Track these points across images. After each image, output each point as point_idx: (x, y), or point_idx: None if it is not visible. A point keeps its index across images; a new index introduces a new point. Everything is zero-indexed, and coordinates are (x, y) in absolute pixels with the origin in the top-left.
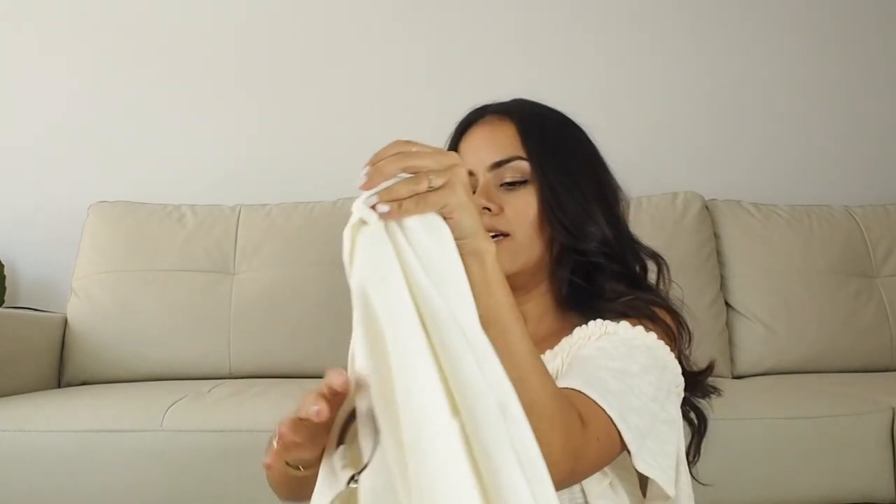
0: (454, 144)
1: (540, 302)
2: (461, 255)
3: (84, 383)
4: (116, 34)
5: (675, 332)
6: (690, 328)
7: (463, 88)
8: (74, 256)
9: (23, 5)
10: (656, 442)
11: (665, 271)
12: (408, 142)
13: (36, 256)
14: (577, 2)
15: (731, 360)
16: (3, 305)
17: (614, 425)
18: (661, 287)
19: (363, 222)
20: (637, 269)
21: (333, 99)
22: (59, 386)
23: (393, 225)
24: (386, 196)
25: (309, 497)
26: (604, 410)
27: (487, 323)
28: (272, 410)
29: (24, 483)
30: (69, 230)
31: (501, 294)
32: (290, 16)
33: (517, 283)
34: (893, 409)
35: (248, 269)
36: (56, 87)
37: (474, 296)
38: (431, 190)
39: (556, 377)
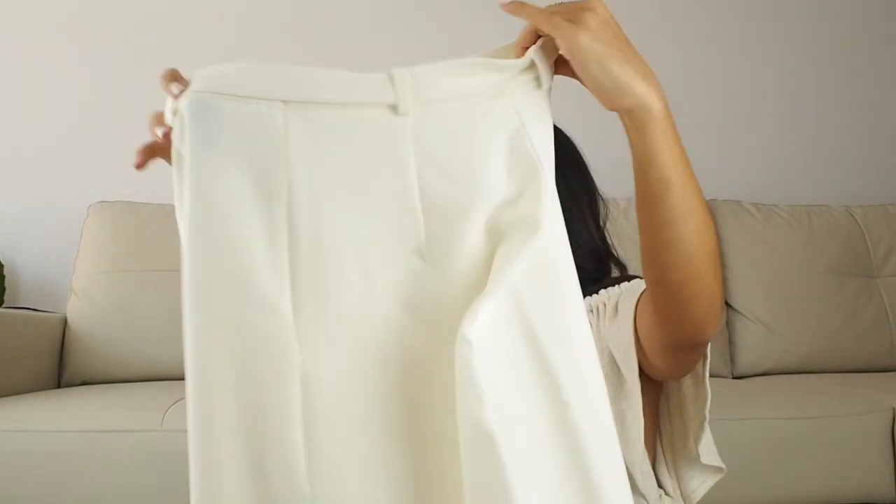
0: None
1: None
2: (603, 103)
3: (84, 383)
4: (116, 34)
5: None
6: None
7: None
8: (74, 256)
9: (23, 5)
10: None
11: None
12: None
13: (36, 256)
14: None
15: (731, 360)
16: (3, 305)
17: None
18: None
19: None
20: (619, 272)
21: None
22: (58, 386)
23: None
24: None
25: None
26: None
27: (662, 191)
28: None
29: (24, 483)
30: (69, 230)
31: (675, 153)
32: (289, 16)
33: None
34: (893, 409)
35: None
36: (56, 87)
37: (638, 165)
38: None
39: None
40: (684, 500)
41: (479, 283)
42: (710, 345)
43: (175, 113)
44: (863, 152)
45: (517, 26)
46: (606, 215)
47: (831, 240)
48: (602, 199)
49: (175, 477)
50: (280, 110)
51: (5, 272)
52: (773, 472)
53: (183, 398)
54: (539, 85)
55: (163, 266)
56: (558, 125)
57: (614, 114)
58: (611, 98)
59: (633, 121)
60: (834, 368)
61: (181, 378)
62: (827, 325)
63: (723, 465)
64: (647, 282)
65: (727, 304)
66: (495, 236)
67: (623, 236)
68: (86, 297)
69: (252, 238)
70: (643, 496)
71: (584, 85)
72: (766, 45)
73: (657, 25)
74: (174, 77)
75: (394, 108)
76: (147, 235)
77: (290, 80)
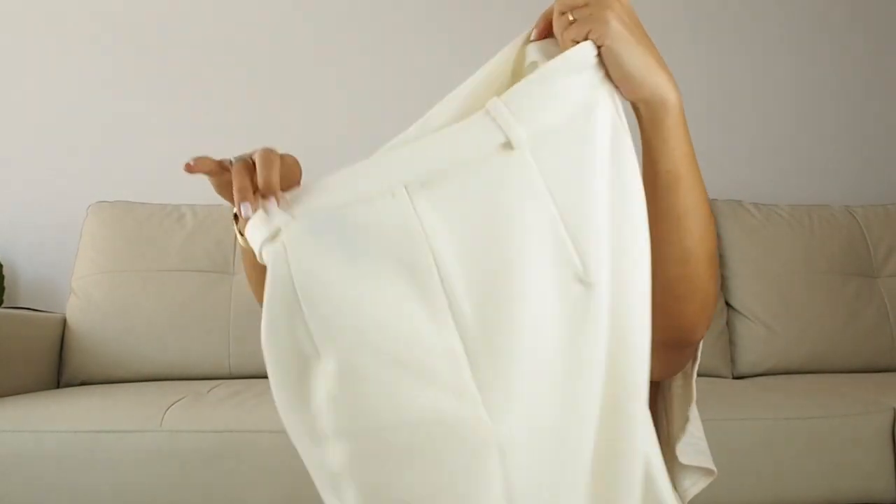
0: None
1: None
2: (622, 92)
3: (83, 383)
4: (116, 34)
5: None
6: None
7: None
8: (74, 256)
9: (23, 6)
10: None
11: None
12: None
13: (35, 256)
14: None
15: (732, 360)
16: (3, 305)
17: None
18: None
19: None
20: None
21: (334, 99)
22: (58, 386)
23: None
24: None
25: None
26: None
27: (671, 182)
28: (272, 410)
29: (23, 483)
30: (69, 230)
31: (685, 148)
32: (290, 16)
33: None
34: (894, 409)
35: None
36: (56, 87)
37: (650, 155)
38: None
39: None
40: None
41: (634, 292)
42: (705, 345)
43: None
44: (863, 152)
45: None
46: None
47: (832, 240)
48: None
49: (175, 477)
50: (405, 195)
51: (5, 272)
52: (773, 472)
53: (183, 398)
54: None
55: (162, 266)
56: None
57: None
58: (634, 87)
59: (651, 111)
60: (834, 368)
61: (181, 378)
62: (827, 325)
63: (713, 468)
64: None
65: (727, 304)
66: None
67: None
68: (85, 297)
69: (422, 332)
70: None
71: (611, 73)
72: (767, 45)
73: (657, 25)
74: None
75: (507, 146)
76: (147, 235)
77: (399, 163)
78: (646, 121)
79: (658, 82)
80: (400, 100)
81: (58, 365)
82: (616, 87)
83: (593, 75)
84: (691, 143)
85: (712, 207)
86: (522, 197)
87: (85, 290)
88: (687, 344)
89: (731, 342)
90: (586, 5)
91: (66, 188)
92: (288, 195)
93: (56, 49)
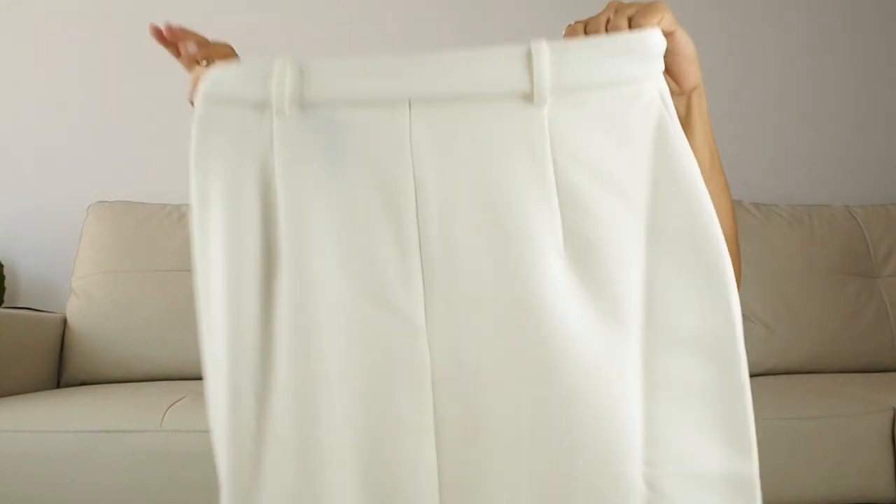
0: None
1: None
2: (684, 88)
3: (83, 383)
4: (116, 34)
5: None
6: None
7: None
8: (74, 256)
9: (23, 6)
10: None
11: None
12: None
13: (36, 256)
14: (580, 4)
15: None
16: (3, 305)
17: None
18: None
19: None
20: None
21: None
22: (58, 386)
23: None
24: (593, 25)
25: None
26: None
27: (713, 162)
28: None
29: (23, 483)
30: (69, 230)
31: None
32: (290, 16)
33: None
34: (894, 409)
35: None
36: (56, 87)
37: (702, 136)
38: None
39: None
40: None
41: (625, 289)
42: None
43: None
44: (863, 152)
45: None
46: None
47: (832, 240)
48: None
49: (175, 477)
50: (406, 115)
51: (5, 272)
52: (773, 472)
53: (183, 398)
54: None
55: (162, 266)
56: None
57: None
58: (696, 69)
59: (700, 95)
60: (834, 369)
61: (181, 378)
62: (827, 325)
63: None
64: None
65: None
66: (648, 241)
67: None
68: (85, 297)
69: (384, 251)
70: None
71: (674, 64)
72: (767, 45)
73: None
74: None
75: (528, 98)
76: (147, 235)
77: (415, 70)
78: (696, 105)
79: (698, 62)
80: None
81: (58, 365)
82: (674, 79)
83: (653, 66)
84: None
85: None
86: (520, 153)
87: (85, 290)
88: None
89: None
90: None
91: (66, 188)
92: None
93: (56, 49)
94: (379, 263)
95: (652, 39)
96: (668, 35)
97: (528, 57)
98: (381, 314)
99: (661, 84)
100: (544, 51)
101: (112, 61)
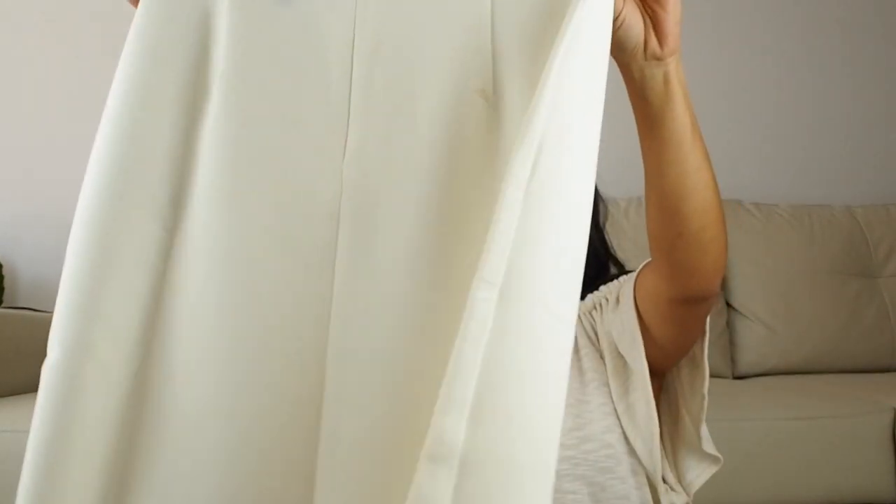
0: None
1: None
2: (666, 51)
3: None
4: (117, 34)
5: None
6: None
7: None
8: None
9: (23, 6)
10: None
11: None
12: None
13: (35, 256)
14: None
15: (732, 360)
16: (3, 305)
17: None
18: None
19: None
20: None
21: None
22: None
23: None
24: None
25: None
26: None
27: (694, 132)
28: None
29: None
30: (69, 230)
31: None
32: None
33: None
34: (894, 409)
35: None
36: (56, 87)
37: (683, 105)
38: None
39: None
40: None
41: (518, 140)
42: (710, 345)
43: None
44: (863, 152)
45: None
46: (606, 217)
47: (832, 240)
48: (602, 200)
49: None
50: None
51: (5, 272)
52: (773, 472)
53: None
54: None
55: None
56: None
57: (614, 117)
58: (678, 34)
59: (678, 62)
60: (835, 369)
61: None
62: (828, 325)
63: (719, 455)
64: (665, 241)
65: (727, 304)
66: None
67: (623, 236)
68: None
69: (311, 83)
70: (654, 489)
71: (663, 21)
72: (767, 44)
73: None
74: None
75: None
76: None
77: None
78: (674, 74)
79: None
80: None
81: None
82: (658, 39)
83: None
84: None
85: None
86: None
87: None
88: (705, 297)
89: (731, 342)
90: None
91: (67, 188)
92: None
93: (57, 49)
94: (306, 98)
95: None
96: None
97: None
98: (299, 146)
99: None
100: None
101: (113, 61)
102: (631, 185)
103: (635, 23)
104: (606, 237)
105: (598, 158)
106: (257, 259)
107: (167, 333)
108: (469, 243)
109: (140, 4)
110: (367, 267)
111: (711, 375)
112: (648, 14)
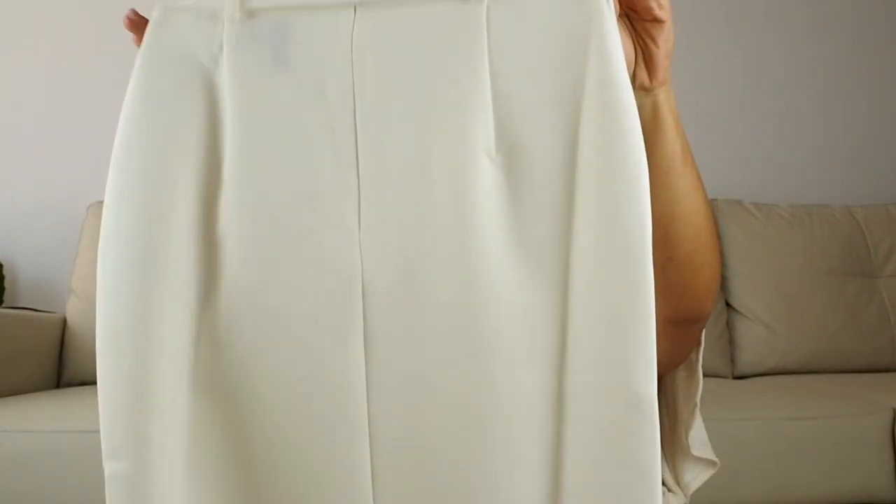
0: None
1: None
2: (655, 81)
3: (83, 383)
4: (118, 35)
5: None
6: None
7: None
8: (74, 256)
9: (23, 5)
10: None
11: None
12: None
13: (35, 256)
14: None
15: (732, 360)
16: (3, 305)
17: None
18: None
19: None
20: None
21: None
22: (58, 386)
23: None
24: None
25: None
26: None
27: (684, 160)
28: None
29: (24, 483)
30: (69, 230)
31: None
32: None
33: None
34: (894, 409)
35: None
36: (56, 87)
37: (672, 133)
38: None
39: None
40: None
41: (553, 194)
42: (705, 345)
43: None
44: (863, 152)
45: None
46: None
47: (832, 240)
48: None
49: None
50: (350, 18)
51: (5, 272)
52: (773, 472)
53: None
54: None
55: None
56: None
57: None
58: (668, 66)
59: (668, 91)
60: (834, 369)
61: None
62: (828, 325)
63: (716, 459)
64: (656, 264)
65: (727, 304)
66: (578, 143)
67: None
68: (85, 297)
69: (322, 157)
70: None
71: (654, 55)
72: (767, 44)
73: None
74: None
75: None
76: None
77: None
78: (664, 104)
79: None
80: None
81: (58, 365)
82: (647, 71)
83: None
84: None
85: (713, 207)
86: (458, 52)
87: (85, 290)
88: (697, 319)
89: (731, 342)
90: None
91: (66, 188)
92: None
93: (56, 49)
94: (316, 171)
95: None
96: (657, 23)
97: None
98: (316, 222)
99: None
100: None
101: (113, 61)
102: None
103: (626, 54)
104: None
105: None
106: (285, 347)
107: (202, 432)
108: (496, 310)
109: (139, 68)
110: (397, 338)
111: (711, 375)
112: (640, 46)
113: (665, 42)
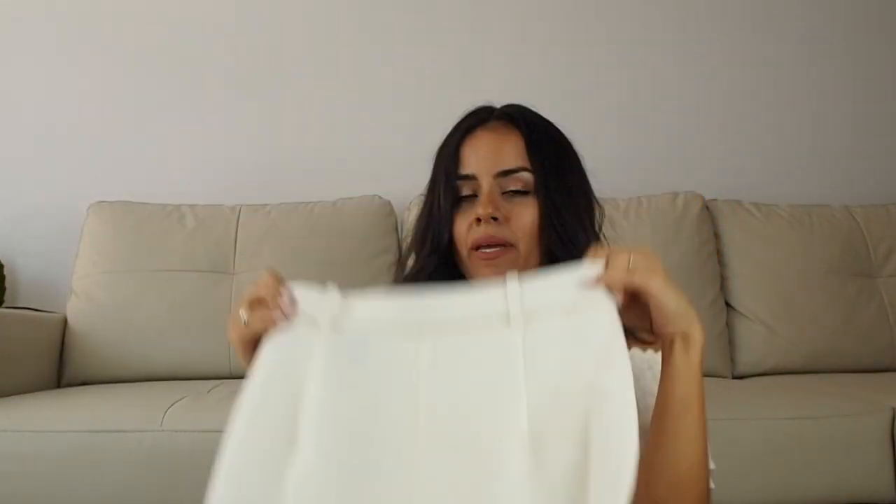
0: (456, 143)
1: None
2: (662, 336)
3: (84, 383)
4: (117, 34)
5: None
6: None
7: (464, 88)
8: (74, 256)
9: (24, 6)
10: None
11: None
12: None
13: (36, 256)
14: (580, 4)
15: (732, 360)
16: (3, 305)
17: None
18: None
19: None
20: None
21: (333, 99)
22: (58, 386)
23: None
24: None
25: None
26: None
27: (683, 409)
28: None
29: (24, 483)
30: (69, 230)
31: (701, 380)
32: (290, 16)
33: None
34: (893, 409)
35: (248, 269)
36: (56, 87)
37: (672, 380)
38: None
39: None
40: None
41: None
42: (710, 345)
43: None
44: (863, 152)
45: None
46: (602, 219)
47: (832, 240)
48: (598, 203)
49: (175, 477)
50: (414, 345)
51: (5, 272)
52: (773, 472)
53: (183, 398)
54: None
55: (163, 266)
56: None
57: (614, 116)
58: (677, 321)
59: (684, 342)
60: (834, 368)
61: (181, 378)
62: (827, 325)
63: (712, 466)
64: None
65: (727, 304)
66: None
67: (623, 237)
68: (86, 297)
69: (379, 452)
70: None
71: (655, 314)
72: (766, 45)
73: (657, 26)
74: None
75: (505, 320)
76: (147, 235)
77: (426, 311)
78: (678, 350)
79: (693, 316)
80: (400, 100)
81: (58, 365)
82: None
83: (600, 297)
84: (702, 377)
85: (712, 207)
86: (501, 368)
87: (85, 290)
88: None
89: (731, 342)
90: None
91: (66, 188)
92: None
93: (56, 49)
94: (384, 450)
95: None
96: (648, 295)
97: (504, 285)
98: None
99: (610, 307)
100: (515, 278)
101: (113, 61)
102: (631, 185)
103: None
104: (603, 240)
105: (598, 158)
106: None
107: None
108: None
109: (254, 379)
110: None
111: (711, 375)
112: (641, 306)
113: (664, 307)
